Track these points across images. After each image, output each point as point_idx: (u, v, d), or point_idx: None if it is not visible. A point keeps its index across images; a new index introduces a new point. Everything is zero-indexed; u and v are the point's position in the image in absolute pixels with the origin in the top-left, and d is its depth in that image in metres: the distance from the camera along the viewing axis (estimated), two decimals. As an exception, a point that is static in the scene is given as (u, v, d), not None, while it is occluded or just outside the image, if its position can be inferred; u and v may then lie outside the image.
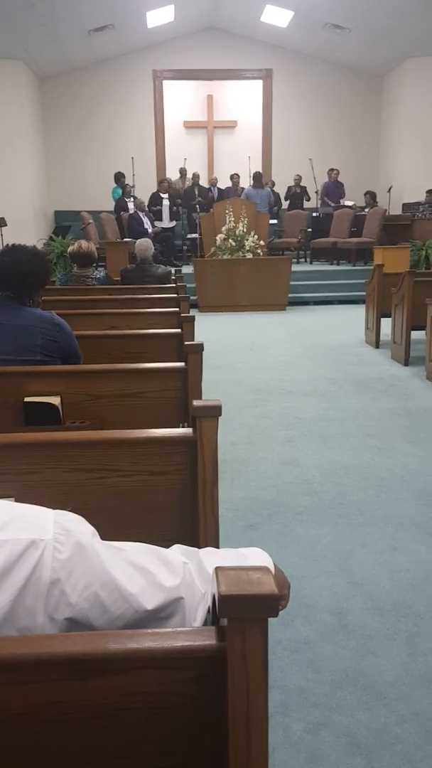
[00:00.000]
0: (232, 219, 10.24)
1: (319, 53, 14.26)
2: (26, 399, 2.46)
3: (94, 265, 5.57)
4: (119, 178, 12.83)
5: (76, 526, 0.95)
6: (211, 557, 1.04)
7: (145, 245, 6.10)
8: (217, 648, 0.83)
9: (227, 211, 10.29)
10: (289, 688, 2.05)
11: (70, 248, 5.56)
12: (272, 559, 1.08)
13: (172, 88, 14.76)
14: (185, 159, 13.90)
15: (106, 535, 1.02)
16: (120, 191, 12.70)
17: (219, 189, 13.32)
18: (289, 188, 13.67)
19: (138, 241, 6.27)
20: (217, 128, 14.99)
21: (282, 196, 13.70)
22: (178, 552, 1.03)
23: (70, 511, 0.99)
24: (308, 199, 13.57)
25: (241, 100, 14.96)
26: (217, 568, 0.83)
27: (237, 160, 14.20)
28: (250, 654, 0.80)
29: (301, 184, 13.59)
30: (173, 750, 0.89)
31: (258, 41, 14.34)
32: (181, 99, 14.82)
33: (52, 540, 0.90)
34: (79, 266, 5.42)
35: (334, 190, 13.30)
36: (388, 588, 2.60)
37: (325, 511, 3.29)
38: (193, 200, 12.66)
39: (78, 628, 0.91)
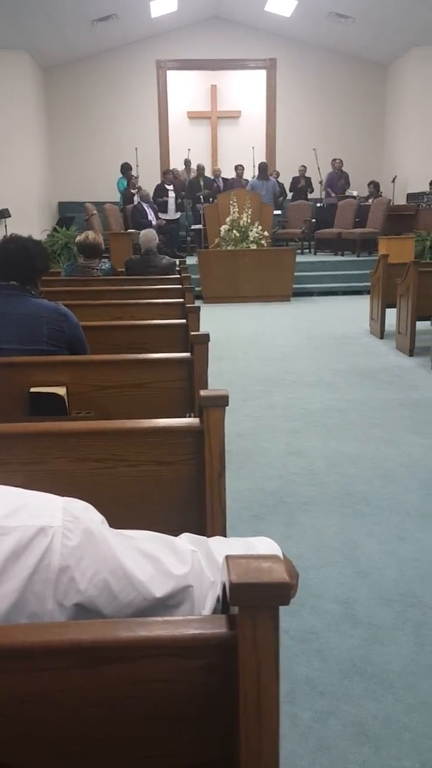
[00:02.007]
0: (236, 210, 10.20)
1: (323, 43, 14.17)
2: (32, 389, 2.46)
3: (100, 257, 5.56)
4: (126, 169, 12.79)
5: (84, 514, 0.95)
6: (220, 546, 1.04)
7: (149, 236, 6.09)
8: (228, 636, 0.82)
9: (231, 202, 10.25)
10: (297, 677, 2.06)
11: (77, 238, 5.56)
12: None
13: (175, 78, 14.70)
14: (189, 150, 13.86)
15: (113, 525, 1.01)
16: (126, 182, 12.67)
17: (224, 179, 13.27)
18: (294, 179, 13.61)
19: (142, 232, 6.27)
20: (221, 118, 14.92)
21: (287, 187, 13.64)
22: (186, 540, 1.03)
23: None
24: (311, 191, 13.52)
25: (245, 90, 14.88)
26: (227, 557, 0.82)
27: (241, 150, 14.13)
28: (261, 642, 0.80)
29: (306, 174, 13.54)
30: (183, 738, 0.88)
31: (262, 31, 14.25)
32: (185, 89, 14.76)
33: (61, 527, 0.90)
34: (85, 257, 5.42)
35: (338, 180, 13.24)
36: (395, 578, 2.60)
37: (330, 501, 3.28)
38: (198, 191, 12.61)
39: (87, 614, 0.91)
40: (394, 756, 1.76)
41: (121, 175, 12.90)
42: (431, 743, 1.80)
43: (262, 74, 14.85)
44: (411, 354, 6.36)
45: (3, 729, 0.83)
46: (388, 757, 1.76)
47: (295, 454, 3.91)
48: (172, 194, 12.57)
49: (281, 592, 0.78)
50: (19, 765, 0.86)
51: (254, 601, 0.78)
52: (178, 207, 12.71)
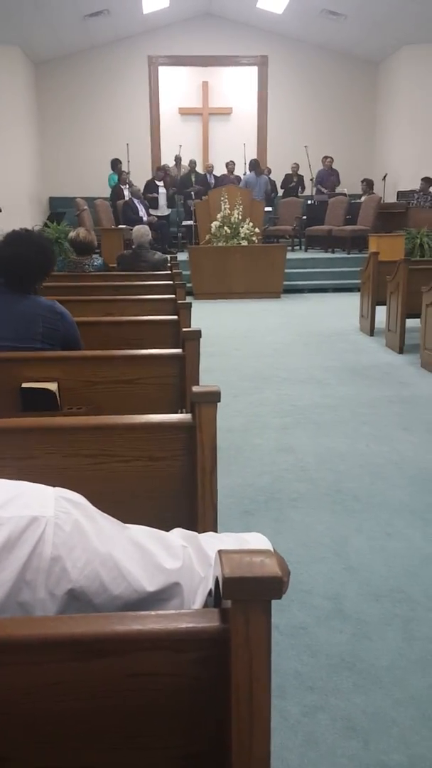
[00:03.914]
0: (227, 206, 10.20)
1: (314, 40, 14.18)
2: (23, 385, 2.45)
3: (92, 253, 5.56)
4: (116, 164, 12.79)
5: (76, 504, 0.95)
6: (212, 541, 1.05)
7: (141, 231, 6.11)
8: (221, 630, 0.83)
9: (222, 198, 10.24)
10: (286, 671, 2.07)
11: (70, 234, 5.56)
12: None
13: (167, 75, 14.68)
14: (180, 146, 13.84)
15: (104, 520, 1.02)
16: (116, 178, 12.65)
17: (215, 176, 13.27)
18: (287, 176, 13.62)
19: (135, 228, 6.29)
20: (213, 115, 14.92)
21: (278, 184, 13.66)
22: (178, 536, 1.04)
23: None
24: (303, 189, 13.54)
25: (237, 87, 14.89)
26: (220, 551, 0.83)
27: (232, 147, 14.13)
28: (253, 635, 0.80)
29: (299, 172, 13.55)
30: (176, 730, 0.89)
31: (254, 27, 14.25)
32: (177, 85, 14.75)
33: (54, 517, 0.91)
34: (78, 253, 5.43)
35: (328, 177, 13.25)
36: (384, 573, 2.62)
37: (320, 497, 3.30)
38: (190, 187, 12.60)
39: (77, 604, 0.91)
40: (383, 750, 1.78)
41: (111, 171, 12.88)
42: (419, 737, 1.82)
43: (253, 71, 14.85)
44: (401, 351, 6.38)
45: (-2, 721, 0.84)
46: (376, 751, 1.77)
47: (285, 450, 3.92)
48: (162, 190, 12.57)
49: (273, 586, 0.79)
50: (14, 757, 0.87)
51: (247, 595, 0.79)
52: (169, 203, 12.71)
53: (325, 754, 1.77)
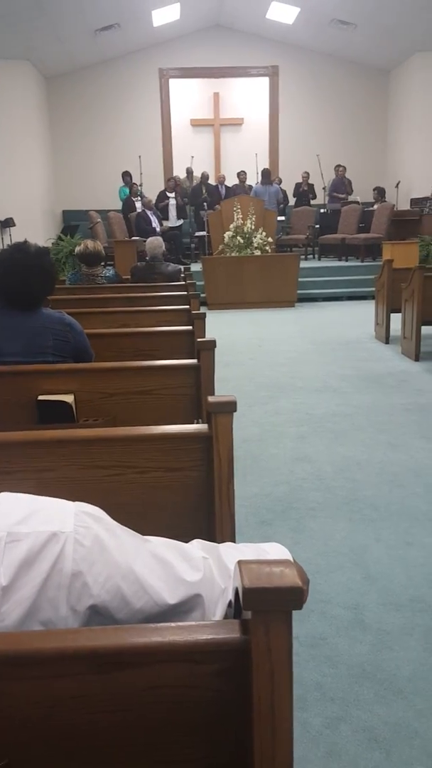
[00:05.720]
0: (240, 216, 10.23)
1: (325, 49, 14.22)
2: (40, 397, 2.46)
3: (103, 263, 5.56)
4: (125, 176, 12.89)
5: (96, 518, 0.95)
6: (231, 552, 1.04)
7: (155, 243, 6.12)
8: (241, 641, 0.83)
9: (235, 209, 10.27)
10: (307, 683, 2.05)
11: (76, 249, 5.56)
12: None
13: (178, 87, 14.77)
14: (192, 157, 13.91)
15: (122, 532, 1.01)
16: (127, 190, 12.75)
17: (227, 187, 13.32)
18: (297, 185, 13.65)
19: (149, 239, 6.29)
20: (224, 126, 14.98)
21: (290, 193, 13.68)
22: (198, 547, 1.03)
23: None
24: (314, 197, 13.55)
25: (248, 98, 14.95)
26: (239, 562, 0.83)
27: (244, 157, 14.19)
28: (274, 646, 0.80)
29: (309, 181, 13.57)
30: (195, 743, 0.88)
31: (264, 38, 14.32)
32: (188, 97, 14.83)
33: (73, 532, 0.90)
34: (87, 266, 5.41)
35: (341, 186, 13.26)
36: (404, 583, 2.59)
37: (338, 506, 3.28)
38: (201, 198, 12.66)
39: (99, 619, 0.91)
40: (405, 761, 1.75)
41: (122, 184, 12.98)
42: (442, 748, 1.79)
43: (264, 81, 14.91)
44: (417, 359, 6.35)
45: (18, 735, 0.84)
46: (398, 762, 1.75)
47: (302, 459, 3.91)
48: (173, 201, 12.65)
49: (294, 597, 0.79)
50: (33, 771, 0.86)
51: (267, 606, 0.79)
52: (180, 214, 12.77)
53: (347, 765, 1.75)
